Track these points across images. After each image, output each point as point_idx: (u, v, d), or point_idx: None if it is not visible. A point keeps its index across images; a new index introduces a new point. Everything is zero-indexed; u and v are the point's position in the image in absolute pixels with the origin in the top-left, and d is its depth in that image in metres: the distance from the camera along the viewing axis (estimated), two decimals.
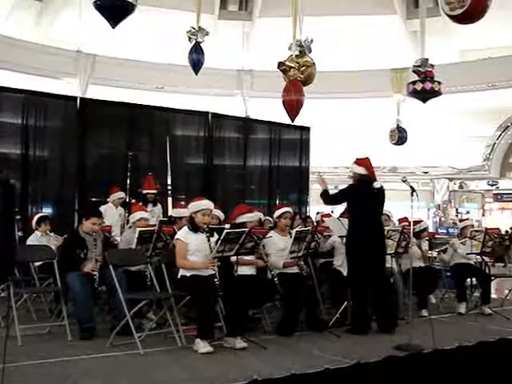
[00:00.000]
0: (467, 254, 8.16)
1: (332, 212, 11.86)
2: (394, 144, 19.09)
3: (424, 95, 13.58)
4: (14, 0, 18.85)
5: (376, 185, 6.57)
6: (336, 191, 7.19)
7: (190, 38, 11.06)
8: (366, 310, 6.44)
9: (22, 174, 10.45)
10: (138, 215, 7.23)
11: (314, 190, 18.81)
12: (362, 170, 6.63)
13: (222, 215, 7.96)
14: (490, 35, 20.09)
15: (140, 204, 8.91)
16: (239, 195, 13.00)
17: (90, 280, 5.88)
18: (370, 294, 6.47)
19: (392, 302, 6.77)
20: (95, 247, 6.12)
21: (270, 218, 7.79)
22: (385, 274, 6.76)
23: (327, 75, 16.53)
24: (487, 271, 8.54)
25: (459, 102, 20.60)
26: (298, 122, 11.52)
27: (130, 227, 7.36)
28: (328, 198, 6.82)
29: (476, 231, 8.34)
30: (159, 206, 10.13)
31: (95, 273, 5.90)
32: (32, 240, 7.80)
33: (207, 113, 12.84)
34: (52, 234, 8.07)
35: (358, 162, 6.72)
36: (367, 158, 6.74)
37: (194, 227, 5.79)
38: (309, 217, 10.84)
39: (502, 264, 11.14)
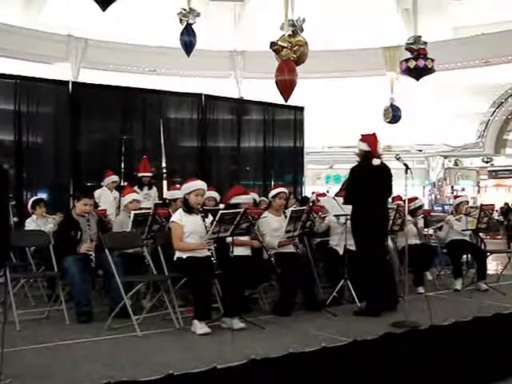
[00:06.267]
0: (463, 230, 8.18)
1: (327, 191, 11.81)
2: (388, 122, 19.06)
3: (417, 73, 13.59)
4: None
5: (375, 162, 6.21)
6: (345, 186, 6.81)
7: (181, 20, 10.99)
8: (381, 290, 6.25)
9: (15, 160, 10.40)
10: (128, 197, 7.26)
11: (309, 169, 18.85)
12: (365, 147, 6.34)
13: (218, 196, 7.97)
14: (483, 11, 20.02)
15: (134, 187, 8.90)
16: (234, 177, 12.97)
17: (86, 263, 5.88)
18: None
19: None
20: (89, 228, 6.13)
21: (266, 199, 7.79)
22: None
23: (320, 54, 16.48)
24: (483, 247, 8.58)
25: (453, 79, 20.57)
26: (292, 102, 11.49)
27: (124, 210, 7.37)
28: (350, 199, 6.46)
29: (471, 207, 8.37)
30: (154, 188, 10.13)
31: (91, 252, 5.92)
32: (29, 223, 7.79)
33: (200, 95, 12.75)
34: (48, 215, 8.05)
35: (364, 138, 6.38)
36: (374, 133, 6.41)
37: (189, 209, 5.79)
38: (307, 198, 10.71)
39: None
